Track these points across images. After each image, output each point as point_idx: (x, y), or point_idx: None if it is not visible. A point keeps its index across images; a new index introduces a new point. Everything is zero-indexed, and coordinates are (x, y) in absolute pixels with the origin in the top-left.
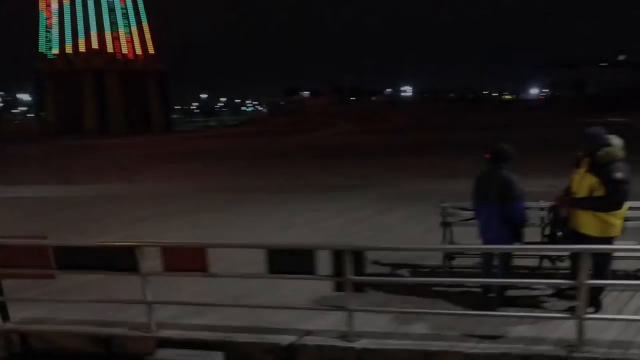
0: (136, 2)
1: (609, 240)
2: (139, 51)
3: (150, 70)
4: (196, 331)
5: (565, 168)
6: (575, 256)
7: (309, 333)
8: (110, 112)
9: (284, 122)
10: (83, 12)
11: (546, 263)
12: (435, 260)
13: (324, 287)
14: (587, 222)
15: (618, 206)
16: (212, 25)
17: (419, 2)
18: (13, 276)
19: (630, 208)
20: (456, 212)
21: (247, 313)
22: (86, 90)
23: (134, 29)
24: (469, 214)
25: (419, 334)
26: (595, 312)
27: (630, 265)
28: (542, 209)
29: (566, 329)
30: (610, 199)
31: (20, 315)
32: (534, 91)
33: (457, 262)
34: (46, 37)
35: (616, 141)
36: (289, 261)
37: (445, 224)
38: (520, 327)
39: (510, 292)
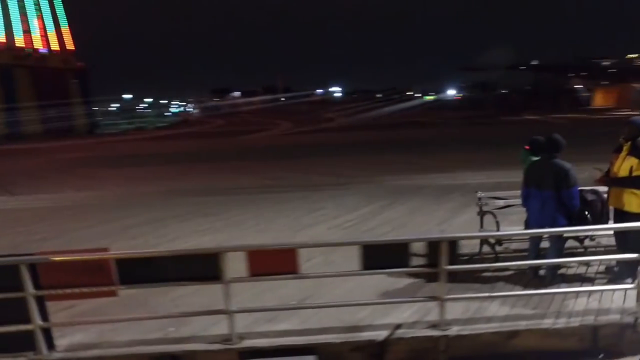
0: None
1: None
2: (55, 47)
3: (69, 67)
4: (281, 337)
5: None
6: (620, 233)
7: (398, 326)
8: (21, 113)
9: (221, 123)
10: None
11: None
12: (469, 248)
13: (385, 281)
14: (629, 200)
15: None
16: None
17: (350, 3)
18: (69, 297)
19: None
20: (490, 201)
21: (325, 313)
22: None
23: (49, 22)
24: (502, 202)
25: (501, 315)
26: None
27: None
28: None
29: (618, 299)
30: None
31: (64, 341)
32: (451, 92)
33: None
34: None
35: None
36: (382, 256)
37: (482, 213)
38: (580, 300)
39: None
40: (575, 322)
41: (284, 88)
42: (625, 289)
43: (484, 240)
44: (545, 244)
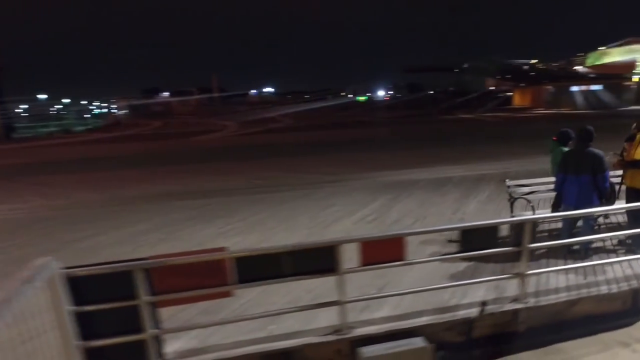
0: None
1: None
2: None
3: None
4: (386, 323)
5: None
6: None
7: (484, 303)
8: None
9: (158, 125)
10: None
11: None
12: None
13: (441, 266)
14: None
15: None
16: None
17: (286, 3)
18: (182, 301)
19: None
20: (517, 188)
21: (411, 298)
22: None
23: None
24: (527, 189)
25: (563, 286)
26: None
27: None
28: None
29: None
30: None
31: (169, 348)
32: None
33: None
34: None
35: None
36: (477, 239)
37: (513, 199)
38: (616, 268)
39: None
40: (623, 286)
41: (219, 89)
42: None
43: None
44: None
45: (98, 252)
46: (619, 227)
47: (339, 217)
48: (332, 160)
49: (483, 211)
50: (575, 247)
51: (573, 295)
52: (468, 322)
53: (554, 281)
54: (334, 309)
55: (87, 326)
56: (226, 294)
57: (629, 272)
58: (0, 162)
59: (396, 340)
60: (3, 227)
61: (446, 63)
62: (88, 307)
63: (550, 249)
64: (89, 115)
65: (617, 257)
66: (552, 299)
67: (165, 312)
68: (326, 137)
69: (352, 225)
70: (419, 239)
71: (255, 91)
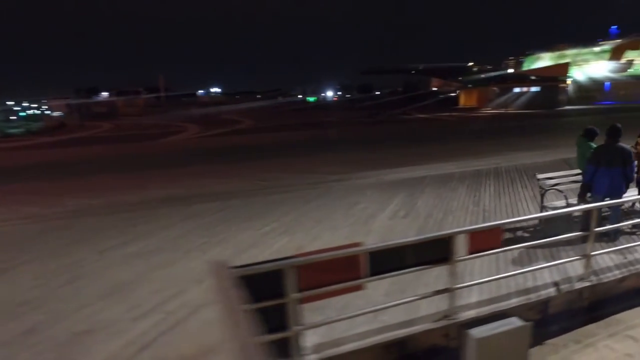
0: None
1: None
2: None
3: None
4: (482, 307)
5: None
6: None
7: (556, 284)
8: None
9: (110, 127)
10: None
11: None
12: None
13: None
14: None
15: None
16: None
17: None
18: (321, 297)
19: None
20: (547, 181)
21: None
22: None
23: None
24: (553, 181)
25: (612, 265)
26: None
27: None
28: None
29: None
30: None
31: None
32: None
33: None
34: None
35: None
36: (557, 226)
37: (544, 191)
38: None
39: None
40: None
41: (165, 89)
42: None
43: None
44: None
45: (148, 259)
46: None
47: (371, 214)
48: (324, 160)
49: (500, 203)
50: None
51: (624, 272)
52: (545, 302)
53: (602, 261)
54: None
55: None
56: (359, 288)
57: None
58: None
59: (490, 322)
60: (12, 239)
61: (393, 65)
62: (250, 305)
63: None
64: (15, 117)
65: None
66: (608, 276)
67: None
68: (300, 138)
69: (388, 221)
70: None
71: (202, 91)
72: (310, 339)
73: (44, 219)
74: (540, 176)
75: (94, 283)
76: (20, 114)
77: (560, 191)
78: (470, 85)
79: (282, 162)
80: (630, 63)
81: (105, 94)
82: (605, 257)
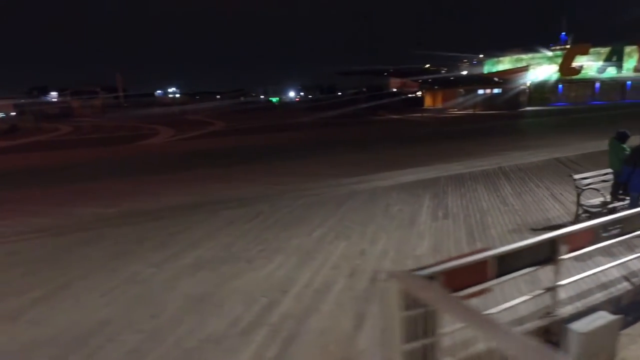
0: None
1: None
2: None
3: None
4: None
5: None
6: None
7: (627, 278)
8: None
9: (69, 130)
10: None
11: None
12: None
13: None
14: None
15: None
16: None
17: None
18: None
19: None
20: (582, 181)
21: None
22: None
23: None
24: (588, 181)
25: None
26: None
27: None
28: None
29: None
30: None
31: None
32: (292, 94)
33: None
34: None
35: None
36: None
37: (581, 190)
38: None
39: None
40: None
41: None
42: None
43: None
44: None
45: (214, 270)
46: None
47: (410, 216)
48: (322, 162)
49: (525, 202)
50: None
51: None
52: (621, 295)
53: None
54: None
55: None
56: (488, 290)
57: None
58: None
59: (584, 317)
60: (42, 254)
61: (367, 67)
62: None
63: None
64: None
65: None
66: None
67: None
68: (284, 140)
69: (432, 222)
70: (508, 227)
71: (160, 91)
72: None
73: (63, 230)
74: (576, 176)
75: (170, 297)
76: None
77: (597, 190)
78: (436, 87)
79: (281, 166)
80: (580, 67)
81: (54, 93)
82: None
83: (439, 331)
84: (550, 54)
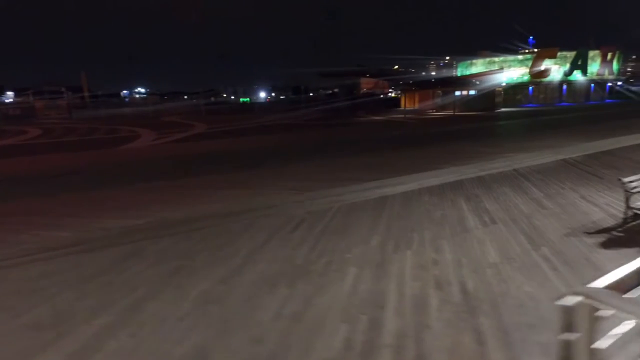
0: None
1: None
2: None
3: None
4: None
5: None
6: None
7: None
8: None
9: (38, 133)
10: None
11: None
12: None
13: None
14: None
15: None
16: None
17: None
18: None
19: None
20: (631, 184)
21: None
22: None
23: None
24: (635, 184)
25: None
26: None
27: None
28: None
29: None
30: None
31: None
32: (263, 94)
33: None
34: None
35: None
36: None
37: (629, 193)
38: None
39: None
40: None
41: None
42: None
43: None
44: None
45: (289, 285)
46: None
47: (456, 221)
48: (336, 165)
49: (559, 204)
50: None
51: None
52: None
53: None
54: None
55: None
56: None
57: None
58: None
59: None
60: (84, 272)
61: (348, 68)
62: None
63: None
64: None
65: None
66: None
67: None
68: (277, 143)
69: (484, 228)
70: (561, 231)
71: (126, 91)
72: None
73: (94, 245)
74: (625, 180)
75: (262, 318)
76: None
77: (632, 193)
78: (414, 88)
79: (292, 170)
80: (549, 70)
81: (10, 93)
82: None
83: None
84: (520, 57)
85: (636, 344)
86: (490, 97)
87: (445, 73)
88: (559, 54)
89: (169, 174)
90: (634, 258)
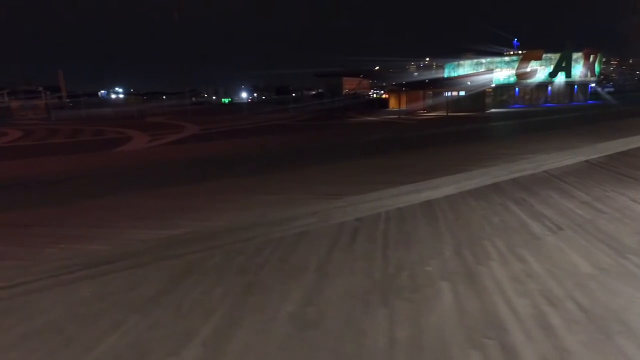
0: None
1: None
2: None
3: None
4: None
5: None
6: None
7: None
8: None
9: (19, 135)
10: None
11: None
12: None
13: None
14: None
15: None
16: None
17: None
18: None
19: None
20: None
21: None
22: None
23: None
24: None
25: None
26: None
27: None
28: None
29: None
30: None
31: None
32: (244, 95)
33: None
34: None
35: None
36: None
37: None
38: None
39: None
40: None
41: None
42: None
43: None
44: None
45: (387, 303)
46: None
47: (522, 227)
48: (360, 168)
49: (616, 209)
50: None
51: None
52: None
53: None
54: None
55: None
56: None
57: None
58: None
59: None
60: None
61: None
62: None
63: None
64: None
65: None
66: None
67: None
68: (282, 144)
69: (552, 235)
70: (635, 237)
71: (104, 91)
72: None
73: (139, 260)
74: None
75: (377, 342)
76: None
77: None
78: (404, 89)
79: (314, 173)
80: (534, 71)
81: None
82: None
83: None
84: (507, 58)
85: None
86: (481, 98)
87: (433, 74)
88: (544, 55)
89: (183, 179)
90: None
